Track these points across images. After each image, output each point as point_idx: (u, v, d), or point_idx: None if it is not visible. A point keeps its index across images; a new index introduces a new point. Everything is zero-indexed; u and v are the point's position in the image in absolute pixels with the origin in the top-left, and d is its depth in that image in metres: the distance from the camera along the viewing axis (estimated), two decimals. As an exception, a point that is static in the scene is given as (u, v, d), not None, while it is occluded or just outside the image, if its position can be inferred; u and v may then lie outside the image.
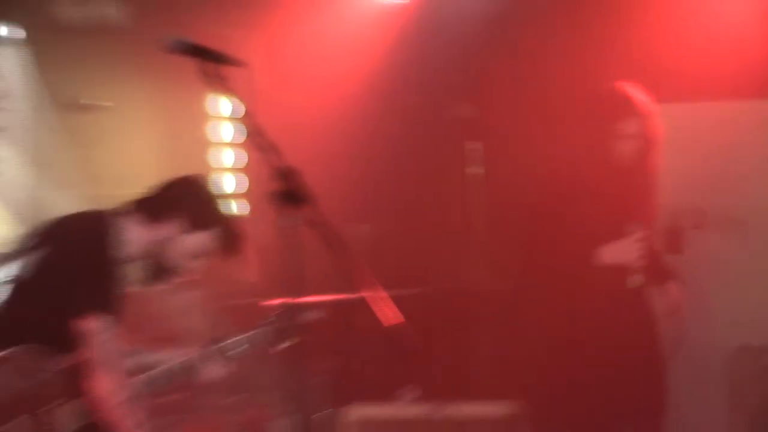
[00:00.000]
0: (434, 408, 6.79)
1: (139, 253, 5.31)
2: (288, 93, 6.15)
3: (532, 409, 6.83)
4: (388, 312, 4.18)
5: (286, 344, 4.91)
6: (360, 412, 6.89)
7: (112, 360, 4.99)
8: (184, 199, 5.34)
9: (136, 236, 5.27)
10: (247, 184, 8.91)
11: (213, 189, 5.58)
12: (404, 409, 6.85)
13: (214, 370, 5.36)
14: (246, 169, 8.92)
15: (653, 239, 6.37)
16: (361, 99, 7.79)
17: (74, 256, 5.17)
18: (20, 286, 5.18)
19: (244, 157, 8.95)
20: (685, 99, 7.03)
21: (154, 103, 6.88)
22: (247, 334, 5.51)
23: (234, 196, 8.82)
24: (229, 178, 8.94)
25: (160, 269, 5.33)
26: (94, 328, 4.95)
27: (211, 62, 4.31)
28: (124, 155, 7.15)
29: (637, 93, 6.12)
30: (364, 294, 4.18)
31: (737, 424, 7.41)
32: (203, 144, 8.93)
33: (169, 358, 5.40)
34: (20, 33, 8.17)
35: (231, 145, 8.98)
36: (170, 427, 6.75)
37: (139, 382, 5.22)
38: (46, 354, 5.01)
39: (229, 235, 5.41)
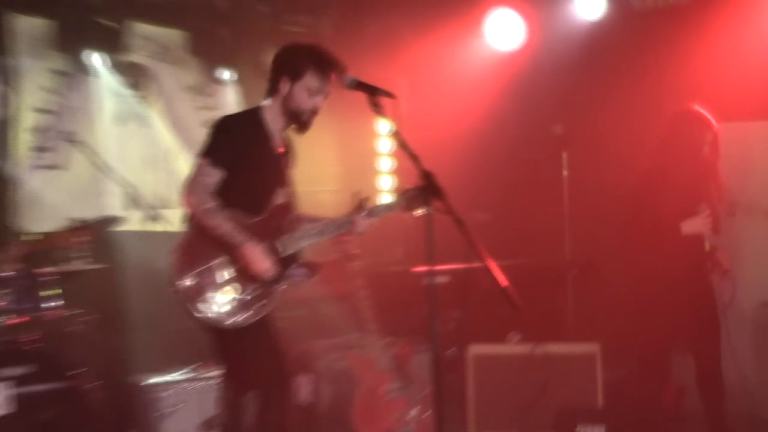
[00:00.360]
0: (532, 347, 6.98)
1: (280, 122, 5.12)
2: (427, 117, 6.29)
3: (606, 348, 6.92)
4: (499, 276, 4.20)
5: (421, 211, 4.71)
6: (476, 350, 7.02)
7: (202, 191, 4.84)
8: (278, 65, 5.12)
9: (270, 111, 5.10)
10: (398, 182, 9.10)
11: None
12: (510, 348, 7.08)
13: (365, 224, 5.12)
14: (397, 172, 9.15)
15: (718, 217, 6.36)
16: (482, 120, 7.86)
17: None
18: None
19: (395, 163, 9.20)
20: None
21: (338, 124, 7.00)
22: (390, 200, 5.31)
23: (390, 191, 9.08)
24: (386, 178, 9.19)
25: (300, 118, 5.06)
26: (202, 165, 4.89)
27: (374, 95, 4.61)
28: (316, 162, 7.19)
29: (707, 112, 6.23)
30: (482, 263, 4.25)
31: (758, 359, 7.31)
32: (371, 154, 9.18)
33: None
34: (234, 76, 8.49)
35: (387, 155, 9.25)
36: (341, 359, 6.92)
37: (312, 230, 5.12)
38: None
39: (322, 56, 5.10)
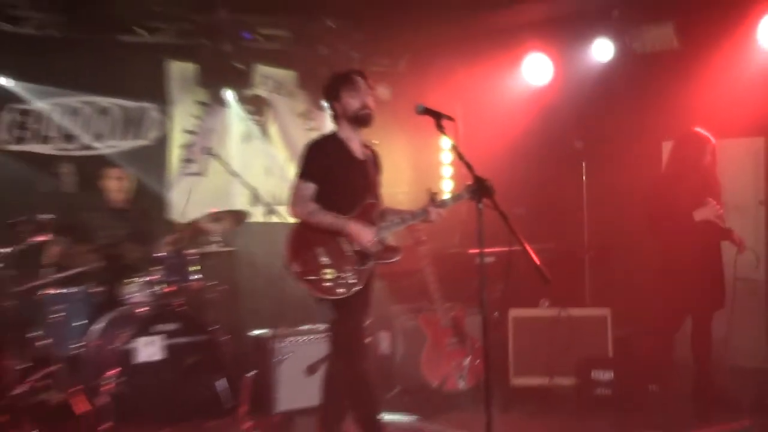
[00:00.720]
0: (558, 311, 6.95)
1: (352, 133, 5.05)
2: (478, 135, 6.28)
3: (615, 312, 6.89)
4: (533, 256, 4.18)
5: (481, 204, 4.53)
6: (515, 313, 7.01)
7: (301, 202, 4.85)
8: (325, 97, 5.13)
9: (341, 129, 5.05)
10: (456, 185, 9.01)
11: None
12: (541, 311, 7.05)
13: (436, 214, 4.94)
14: (455, 177, 9.12)
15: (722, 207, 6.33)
16: (520, 138, 7.78)
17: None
18: None
19: (454, 171, 9.17)
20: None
21: (410, 141, 6.93)
22: (454, 195, 5.14)
23: (450, 191, 9.04)
24: (447, 182, 9.17)
25: (360, 118, 4.97)
26: (298, 182, 4.89)
27: (438, 118, 4.62)
28: (393, 169, 6.91)
29: (706, 132, 6.27)
30: (520, 246, 4.24)
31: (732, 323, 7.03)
32: (436, 164, 9.17)
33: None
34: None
35: (448, 164, 9.22)
36: (412, 319, 6.88)
37: (396, 219, 5.01)
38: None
39: (341, 72, 5.13)
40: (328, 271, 4.82)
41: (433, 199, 5.00)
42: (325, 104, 5.19)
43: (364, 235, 4.83)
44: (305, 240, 4.88)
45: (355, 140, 5.07)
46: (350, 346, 4.95)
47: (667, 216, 6.24)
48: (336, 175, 4.94)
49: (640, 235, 7.37)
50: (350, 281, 4.85)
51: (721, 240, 6.40)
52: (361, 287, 4.87)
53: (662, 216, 6.28)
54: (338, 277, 4.84)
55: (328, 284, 4.82)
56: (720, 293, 6.41)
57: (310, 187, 4.89)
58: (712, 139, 6.28)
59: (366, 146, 5.16)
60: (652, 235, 6.50)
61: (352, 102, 4.96)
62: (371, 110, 4.99)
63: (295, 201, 4.91)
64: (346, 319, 4.90)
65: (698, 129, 6.36)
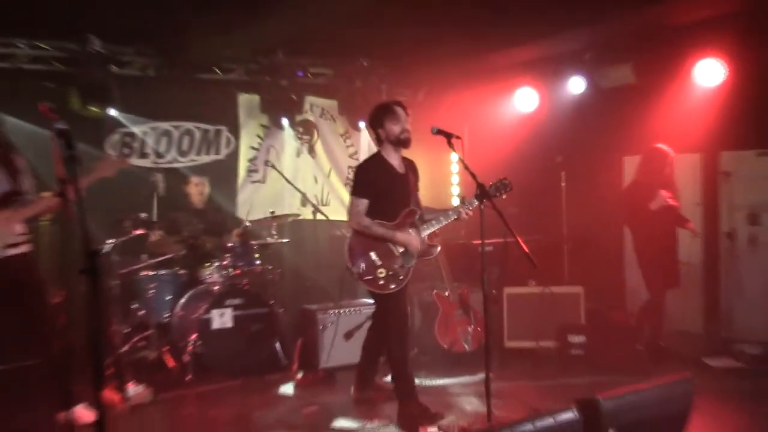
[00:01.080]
0: (543, 288, 6.83)
1: (393, 152, 4.93)
2: (480, 150, 6.20)
3: (587, 290, 6.81)
4: (523, 246, 4.21)
5: (503, 196, 4.72)
6: (509, 290, 6.91)
7: (358, 216, 4.76)
8: (371, 123, 4.97)
9: (384, 150, 4.93)
10: (462, 192, 8.84)
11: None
12: (529, 289, 6.92)
13: (464, 213, 4.88)
14: (461, 185, 8.95)
15: (676, 198, 6.46)
16: (513, 152, 7.57)
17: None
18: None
19: (461, 179, 9.01)
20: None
21: (425, 155, 6.79)
22: (476, 196, 4.93)
23: (458, 196, 8.89)
24: (456, 188, 9.04)
25: (401, 141, 4.87)
26: (353, 200, 4.83)
27: (448, 137, 4.58)
28: None
29: (667, 147, 6.40)
30: (513, 238, 4.27)
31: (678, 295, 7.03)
32: (447, 173, 9.06)
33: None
34: (366, 126, 8.40)
35: (457, 173, 9.11)
36: (428, 295, 6.75)
37: (434, 221, 4.93)
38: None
39: (385, 104, 5.02)
40: (381, 270, 4.78)
41: (462, 201, 4.96)
42: (366, 128, 5.11)
43: (411, 241, 4.80)
44: (361, 246, 4.81)
45: (395, 158, 4.97)
46: (400, 328, 4.90)
47: (638, 213, 6.36)
48: (381, 189, 4.86)
49: (606, 229, 7.54)
50: (400, 277, 4.82)
51: (679, 227, 6.47)
52: (407, 281, 4.84)
53: (635, 213, 6.41)
54: (390, 275, 4.79)
55: (381, 282, 4.78)
56: (675, 274, 6.47)
57: (363, 203, 4.81)
58: (672, 153, 6.37)
59: (404, 159, 5.08)
60: (629, 227, 6.68)
61: (394, 128, 4.86)
62: (410, 133, 4.91)
63: (353, 216, 4.83)
64: (395, 307, 4.86)
65: (661, 145, 6.41)
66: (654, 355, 6.35)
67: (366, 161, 5.06)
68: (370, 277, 4.77)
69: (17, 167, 4.81)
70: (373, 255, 4.79)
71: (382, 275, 4.78)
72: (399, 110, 4.90)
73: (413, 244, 4.79)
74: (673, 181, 6.48)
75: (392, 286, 4.78)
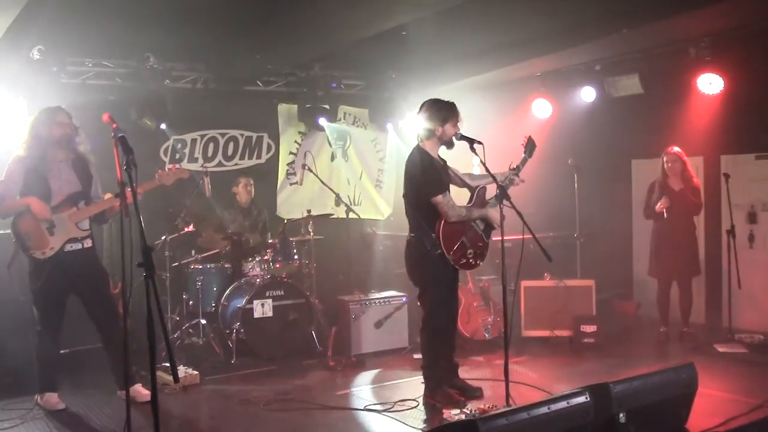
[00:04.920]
0: (557, 282, 6.76)
1: (436, 149, 4.78)
2: (500, 154, 6.17)
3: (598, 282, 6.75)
4: (539, 242, 4.26)
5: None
6: (526, 283, 6.80)
7: (453, 209, 4.62)
8: (435, 116, 4.69)
9: (428, 145, 4.75)
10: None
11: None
12: (545, 282, 6.84)
13: (518, 180, 4.92)
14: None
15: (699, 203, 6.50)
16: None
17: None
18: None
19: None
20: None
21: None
22: (521, 162, 5.00)
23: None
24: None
25: (451, 143, 4.77)
26: (441, 200, 4.61)
27: (471, 142, 4.58)
28: None
29: (677, 149, 6.44)
30: (530, 234, 4.27)
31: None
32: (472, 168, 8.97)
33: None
34: (393, 129, 8.40)
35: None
36: None
37: (497, 195, 4.67)
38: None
39: (449, 105, 4.75)
40: (470, 251, 4.72)
41: (511, 169, 4.92)
42: (418, 118, 4.84)
43: (496, 216, 4.64)
44: (453, 232, 4.65)
45: (435, 153, 4.81)
46: (455, 309, 5.07)
47: (650, 209, 6.49)
48: (446, 180, 4.80)
49: (616, 226, 7.55)
50: (484, 253, 4.84)
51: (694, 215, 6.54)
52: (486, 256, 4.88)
53: (648, 209, 6.54)
54: (477, 253, 4.78)
55: (471, 261, 4.75)
56: (696, 263, 6.54)
57: (449, 197, 4.67)
58: (673, 150, 6.43)
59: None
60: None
61: (453, 129, 4.69)
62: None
63: (449, 211, 4.61)
64: (452, 292, 4.93)
65: (674, 148, 6.43)
66: (680, 338, 6.52)
67: (423, 163, 4.71)
68: (464, 261, 4.70)
69: (88, 173, 4.91)
70: (464, 239, 4.68)
71: (471, 255, 4.72)
72: (457, 112, 4.74)
73: (497, 218, 4.58)
74: (683, 174, 6.41)
75: (480, 262, 4.81)
